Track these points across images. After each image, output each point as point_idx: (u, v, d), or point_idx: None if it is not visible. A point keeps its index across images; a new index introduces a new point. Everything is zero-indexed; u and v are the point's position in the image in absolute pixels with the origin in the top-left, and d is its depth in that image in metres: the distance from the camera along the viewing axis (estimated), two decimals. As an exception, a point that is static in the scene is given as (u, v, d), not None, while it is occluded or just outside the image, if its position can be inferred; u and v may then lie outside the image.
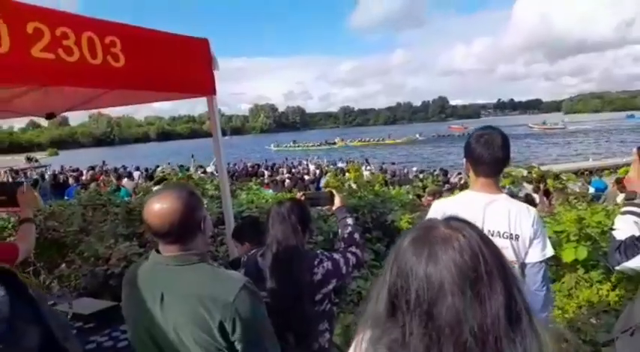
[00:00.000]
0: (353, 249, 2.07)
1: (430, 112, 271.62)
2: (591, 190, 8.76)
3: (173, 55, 2.54)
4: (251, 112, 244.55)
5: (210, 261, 1.42)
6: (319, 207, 2.77)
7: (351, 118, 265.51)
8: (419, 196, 5.70)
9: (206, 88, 2.78)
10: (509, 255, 1.84)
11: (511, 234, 1.84)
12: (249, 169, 16.39)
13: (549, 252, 1.91)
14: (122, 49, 2.19)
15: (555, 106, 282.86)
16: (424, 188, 7.13)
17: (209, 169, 16.90)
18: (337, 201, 2.20)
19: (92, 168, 16.76)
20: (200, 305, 1.27)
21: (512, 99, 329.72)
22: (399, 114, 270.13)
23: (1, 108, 3.14)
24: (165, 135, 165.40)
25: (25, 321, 1.07)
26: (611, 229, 1.68)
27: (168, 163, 19.45)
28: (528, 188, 7.16)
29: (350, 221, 2.15)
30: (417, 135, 64.25)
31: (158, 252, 1.38)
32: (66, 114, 3.65)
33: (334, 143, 54.70)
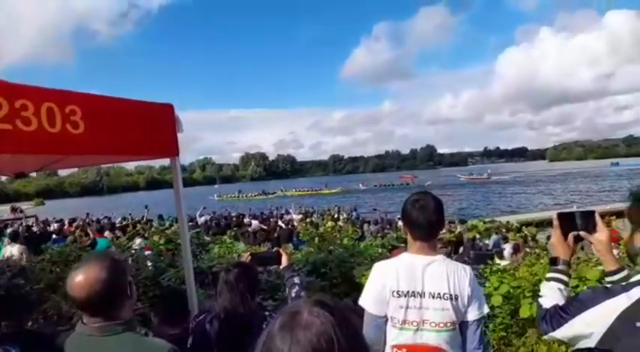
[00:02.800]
0: None
1: (418, 160, 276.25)
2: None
3: (135, 120, 2.65)
4: (242, 160, 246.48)
5: (138, 327, 1.46)
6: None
7: (340, 166, 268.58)
8: (394, 247, 5.73)
9: (169, 150, 2.89)
10: (449, 315, 1.89)
11: (451, 295, 1.89)
12: (234, 219, 16.37)
13: (485, 309, 1.97)
14: (82, 116, 2.30)
15: (540, 154, 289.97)
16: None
17: (197, 219, 16.90)
18: (284, 261, 2.26)
19: (74, 219, 16.59)
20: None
21: (498, 147, 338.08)
22: (388, 162, 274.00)
23: (-29, 169, 3.23)
24: (155, 184, 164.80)
25: None
26: (538, 296, 1.74)
27: (129, 214, 19.52)
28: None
29: (297, 280, 2.20)
30: (360, 185, 66.41)
31: (84, 322, 1.41)
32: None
33: (273, 193, 57.67)
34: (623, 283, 1.45)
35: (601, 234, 1.61)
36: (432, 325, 1.89)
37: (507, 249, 7.15)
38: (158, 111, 2.83)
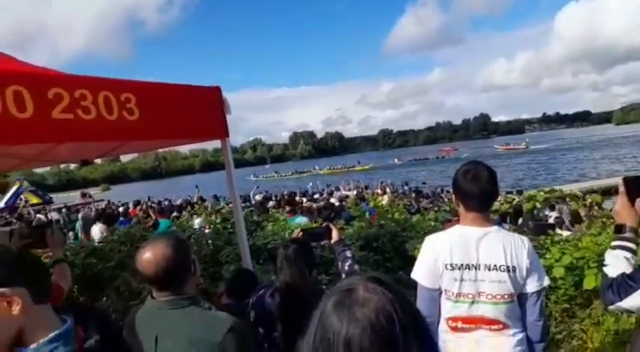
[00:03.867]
0: None
1: (472, 130, 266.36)
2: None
3: (186, 104, 2.73)
4: (290, 140, 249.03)
5: (202, 302, 1.53)
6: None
7: (390, 140, 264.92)
8: (447, 220, 5.61)
9: (219, 131, 2.96)
10: (507, 287, 1.84)
11: (508, 267, 1.84)
12: (287, 197, 16.67)
13: (546, 281, 1.90)
14: (137, 103, 2.40)
15: (605, 117, 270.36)
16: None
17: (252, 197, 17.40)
18: (335, 235, 2.28)
19: (138, 202, 17.58)
20: (191, 346, 1.38)
21: (558, 113, 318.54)
22: (440, 134, 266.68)
23: (41, 159, 3.49)
24: (209, 167, 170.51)
25: None
26: (603, 265, 1.65)
27: (189, 196, 20.31)
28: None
29: (349, 254, 2.22)
30: (395, 160, 66.63)
31: (153, 297, 1.50)
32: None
33: (308, 171, 59.48)
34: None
35: None
36: (489, 297, 1.85)
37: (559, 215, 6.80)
38: (206, 95, 2.90)
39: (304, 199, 14.86)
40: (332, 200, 14.68)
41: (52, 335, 1.04)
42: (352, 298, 0.78)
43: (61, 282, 2.30)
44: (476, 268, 1.86)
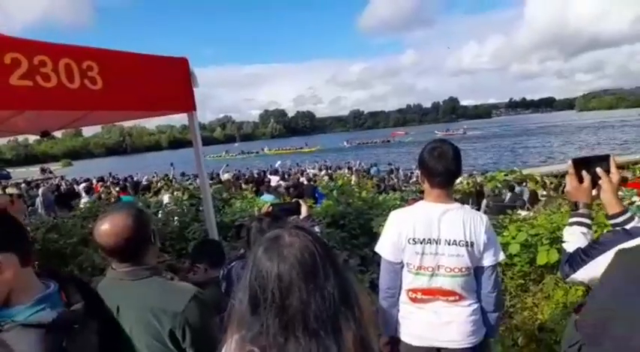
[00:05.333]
0: None
1: (441, 113, 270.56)
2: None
3: (151, 75, 2.66)
4: (261, 118, 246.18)
5: (164, 273, 1.54)
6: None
7: (361, 121, 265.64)
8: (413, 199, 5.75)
9: (185, 105, 2.90)
10: (464, 261, 1.92)
11: (467, 242, 1.91)
12: (256, 176, 16.59)
13: (501, 256, 2.00)
14: (99, 72, 2.32)
15: (568, 104, 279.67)
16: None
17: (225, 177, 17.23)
18: (304, 211, 2.31)
19: (101, 178, 17.11)
20: (152, 316, 1.38)
21: (524, 98, 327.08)
22: (409, 116, 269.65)
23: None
24: (177, 143, 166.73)
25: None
26: (562, 241, 1.74)
27: (155, 173, 20.00)
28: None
29: (317, 229, 2.26)
30: (345, 143, 69.47)
31: (113, 268, 1.49)
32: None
33: (256, 152, 62.49)
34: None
35: (613, 177, 1.58)
36: (447, 270, 1.93)
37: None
38: (173, 66, 2.83)
39: (273, 178, 14.82)
40: (302, 179, 14.74)
41: (39, 296, 1.07)
42: (279, 242, 0.91)
43: None
44: (437, 242, 1.93)
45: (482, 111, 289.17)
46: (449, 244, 1.92)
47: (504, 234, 3.25)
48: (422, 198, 2.11)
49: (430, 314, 1.99)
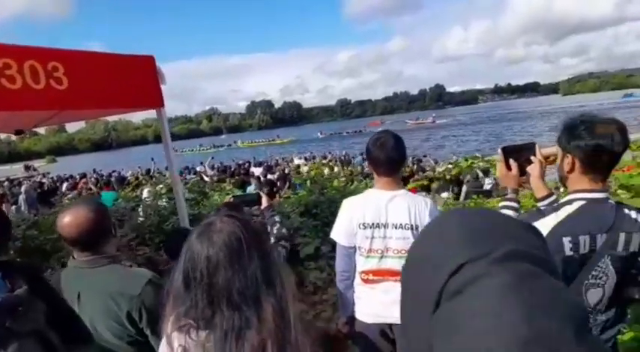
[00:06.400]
0: (283, 242, 2.31)
1: (428, 100, 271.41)
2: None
3: (118, 73, 2.74)
4: (248, 109, 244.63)
5: (124, 261, 1.66)
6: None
7: (348, 110, 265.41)
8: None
9: (153, 101, 2.99)
10: (410, 243, 2.07)
11: (412, 225, 2.06)
12: (240, 168, 16.66)
13: None
14: (65, 72, 2.40)
15: (553, 88, 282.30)
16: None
17: (199, 169, 17.27)
18: (264, 202, 2.44)
19: (84, 175, 17.02)
20: (110, 300, 1.51)
21: (509, 83, 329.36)
22: (397, 104, 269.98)
23: (-29, 128, 3.41)
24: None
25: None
26: None
27: (139, 167, 20.08)
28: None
29: (277, 218, 2.39)
30: (319, 134, 70.74)
31: (74, 258, 1.61)
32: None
33: (228, 145, 65.23)
34: (555, 205, 1.59)
35: (535, 164, 1.73)
36: (395, 252, 2.08)
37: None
38: (139, 64, 2.90)
39: (257, 170, 14.90)
40: (287, 170, 14.87)
41: None
42: (211, 228, 1.04)
43: None
44: (385, 226, 2.08)
45: (469, 97, 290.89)
46: (395, 228, 2.07)
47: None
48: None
49: (381, 293, 2.13)
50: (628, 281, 1.57)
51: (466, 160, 7.63)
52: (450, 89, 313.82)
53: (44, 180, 18.08)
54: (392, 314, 2.13)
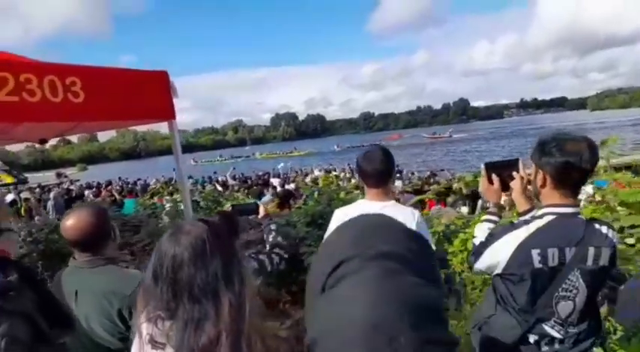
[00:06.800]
0: (277, 250, 2.41)
1: (451, 114, 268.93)
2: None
3: (132, 87, 2.92)
4: (272, 122, 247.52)
5: (121, 263, 1.80)
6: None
7: (371, 124, 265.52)
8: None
9: (165, 113, 3.16)
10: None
11: (399, 236, 2.14)
12: (259, 180, 16.95)
13: (432, 248, 2.21)
14: (82, 87, 2.59)
15: (581, 103, 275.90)
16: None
17: (228, 179, 17.64)
18: (261, 211, 2.55)
19: (109, 182, 17.60)
20: (104, 299, 1.64)
21: (535, 98, 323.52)
22: (420, 118, 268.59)
23: (3, 138, 3.69)
24: (189, 147, 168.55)
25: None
26: (473, 237, 1.96)
27: (162, 176, 20.59)
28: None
29: (273, 227, 2.50)
30: (335, 147, 71.32)
31: (75, 258, 1.75)
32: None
33: (247, 156, 68.05)
34: (527, 219, 1.65)
35: (517, 180, 1.79)
36: (383, 262, 2.15)
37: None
38: (153, 78, 3.08)
39: (275, 180, 15.13)
40: (306, 180, 15.06)
41: None
42: (180, 230, 1.15)
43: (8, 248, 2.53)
44: (373, 237, 2.16)
45: (494, 112, 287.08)
46: None
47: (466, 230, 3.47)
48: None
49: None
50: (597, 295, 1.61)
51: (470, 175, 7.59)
52: (475, 103, 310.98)
53: (72, 187, 18.75)
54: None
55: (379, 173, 2.16)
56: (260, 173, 20.95)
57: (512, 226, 1.64)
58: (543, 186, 1.61)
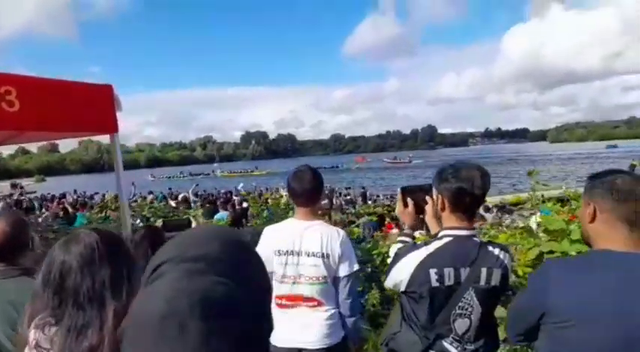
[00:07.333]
0: None
1: (419, 140, 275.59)
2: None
3: (72, 99, 2.91)
4: (242, 139, 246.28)
5: (37, 274, 1.78)
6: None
7: (341, 146, 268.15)
8: (351, 222, 6.08)
9: (108, 127, 3.16)
10: (321, 271, 2.21)
11: (323, 254, 2.21)
12: (223, 197, 16.80)
13: (355, 267, 2.29)
14: (17, 96, 2.58)
15: (541, 135, 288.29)
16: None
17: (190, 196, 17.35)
18: (194, 226, 2.58)
19: (64, 195, 17.02)
20: (12, 308, 1.62)
21: (499, 128, 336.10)
22: (389, 142, 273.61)
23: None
24: (156, 162, 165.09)
25: None
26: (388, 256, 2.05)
27: (107, 191, 20.11)
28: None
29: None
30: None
31: None
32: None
33: (207, 173, 68.35)
34: (429, 240, 1.76)
35: (429, 204, 1.90)
36: (307, 279, 2.21)
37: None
38: (96, 92, 3.09)
39: (237, 199, 15.03)
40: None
41: None
42: (72, 239, 1.19)
43: None
44: (298, 254, 2.22)
45: (459, 139, 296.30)
46: (308, 256, 2.21)
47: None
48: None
49: (293, 318, 2.25)
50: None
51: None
52: (442, 130, 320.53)
53: (22, 198, 18.00)
54: (302, 338, 2.23)
55: (307, 192, 2.24)
56: (223, 190, 20.77)
57: (415, 246, 1.75)
58: (443, 209, 1.73)
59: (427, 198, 1.90)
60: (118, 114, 3.23)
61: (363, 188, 24.81)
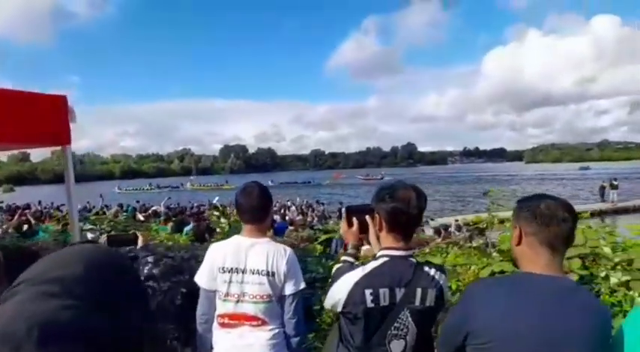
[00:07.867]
0: (151, 282, 2.38)
1: (399, 158, 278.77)
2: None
3: (24, 110, 2.84)
4: (221, 153, 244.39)
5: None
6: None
7: (321, 161, 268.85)
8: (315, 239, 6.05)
9: (60, 138, 3.09)
10: (265, 289, 2.17)
11: (268, 272, 2.18)
12: (193, 210, 16.59)
13: (302, 285, 2.26)
14: (-38, 105, 2.50)
15: (518, 155, 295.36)
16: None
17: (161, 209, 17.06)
18: (140, 242, 2.52)
19: (27, 206, 16.50)
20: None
21: (477, 148, 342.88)
22: (369, 159, 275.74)
23: None
24: (131, 174, 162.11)
25: None
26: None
27: (87, 202, 19.78)
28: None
29: (150, 259, 2.47)
30: (269, 182, 69.52)
31: None
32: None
33: (176, 187, 67.01)
34: (366, 261, 1.76)
35: (370, 225, 1.90)
36: (251, 297, 2.17)
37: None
38: (49, 103, 3.03)
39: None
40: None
41: None
42: None
43: None
44: (243, 272, 2.18)
45: (438, 158, 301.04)
46: (253, 273, 2.18)
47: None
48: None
49: (236, 337, 2.20)
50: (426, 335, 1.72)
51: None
52: (422, 148, 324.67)
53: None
54: (245, 358, 2.19)
55: (254, 209, 2.22)
56: (196, 204, 20.49)
57: (352, 267, 1.74)
58: (380, 229, 1.74)
59: (367, 217, 1.90)
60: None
61: (341, 204, 24.89)
